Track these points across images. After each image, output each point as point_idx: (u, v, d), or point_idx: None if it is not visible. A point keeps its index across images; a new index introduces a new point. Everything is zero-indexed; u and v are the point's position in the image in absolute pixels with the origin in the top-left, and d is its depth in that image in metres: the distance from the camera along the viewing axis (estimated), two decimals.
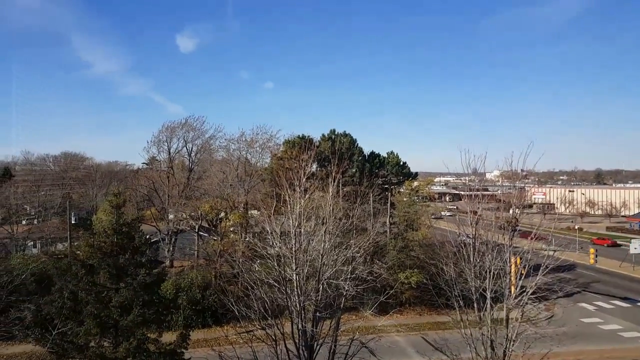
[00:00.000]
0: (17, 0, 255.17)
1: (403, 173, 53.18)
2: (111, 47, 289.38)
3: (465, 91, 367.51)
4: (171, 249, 50.80)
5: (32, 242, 55.61)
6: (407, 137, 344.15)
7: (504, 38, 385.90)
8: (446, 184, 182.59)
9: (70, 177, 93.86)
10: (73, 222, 55.64)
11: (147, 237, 21.87)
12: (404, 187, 50.28)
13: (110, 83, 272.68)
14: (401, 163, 53.36)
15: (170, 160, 57.83)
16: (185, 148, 58.07)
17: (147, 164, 64.48)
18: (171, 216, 53.76)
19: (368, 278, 19.14)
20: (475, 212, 15.81)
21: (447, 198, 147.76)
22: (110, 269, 15.86)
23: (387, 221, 45.50)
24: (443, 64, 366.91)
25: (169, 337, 18.02)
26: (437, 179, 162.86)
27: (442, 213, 75.77)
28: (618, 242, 77.16)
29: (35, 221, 65.40)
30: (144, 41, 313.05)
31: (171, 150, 57.78)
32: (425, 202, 51.63)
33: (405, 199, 45.69)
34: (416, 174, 56.89)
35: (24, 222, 62.82)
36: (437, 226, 44.28)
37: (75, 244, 45.97)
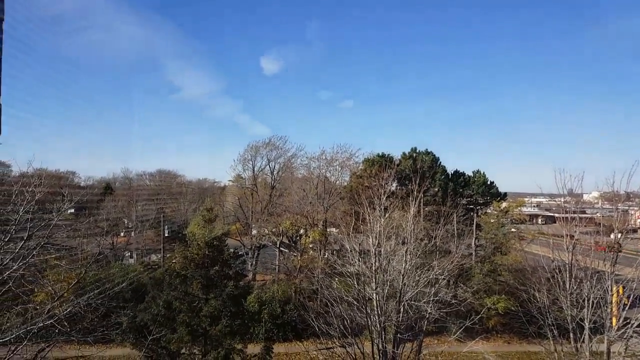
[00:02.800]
0: (120, 31, 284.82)
1: (490, 193, 50.62)
2: (202, 72, 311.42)
3: (561, 106, 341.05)
4: (254, 263, 52.76)
5: (129, 253, 60.69)
6: (495, 155, 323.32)
7: (610, 50, 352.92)
8: (538, 205, 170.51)
9: (164, 192, 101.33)
10: (166, 234, 60.01)
11: (235, 250, 22.95)
12: (491, 207, 47.81)
13: (201, 105, 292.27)
14: (488, 183, 50.89)
15: (254, 178, 60.38)
16: (268, 166, 60.38)
17: (233, 181, 67.77)
18: (254, 231, 55.93)
19: (452, 302, 18.44)
20: (572, 236, 14.71)
21: (540, 220, 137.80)
22: (202, 280, 16.86)
23: (473, 243, 43.51)
24: (534, 76, 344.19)
25: (251, 349, 18.66)
26: (528, 200, 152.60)
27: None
28: None
29: (132, 233, 70.99)
30: (231, 65, 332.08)
31: (255, 169, 60.35)
32: (515, 224, 48.64)
33: (492, 221, 43.42)
34: (505, 194, 53.70)
35: (122, 233, 68.62)
36: (528, 250, 41.45)
37: (168, 255, 49.45)
